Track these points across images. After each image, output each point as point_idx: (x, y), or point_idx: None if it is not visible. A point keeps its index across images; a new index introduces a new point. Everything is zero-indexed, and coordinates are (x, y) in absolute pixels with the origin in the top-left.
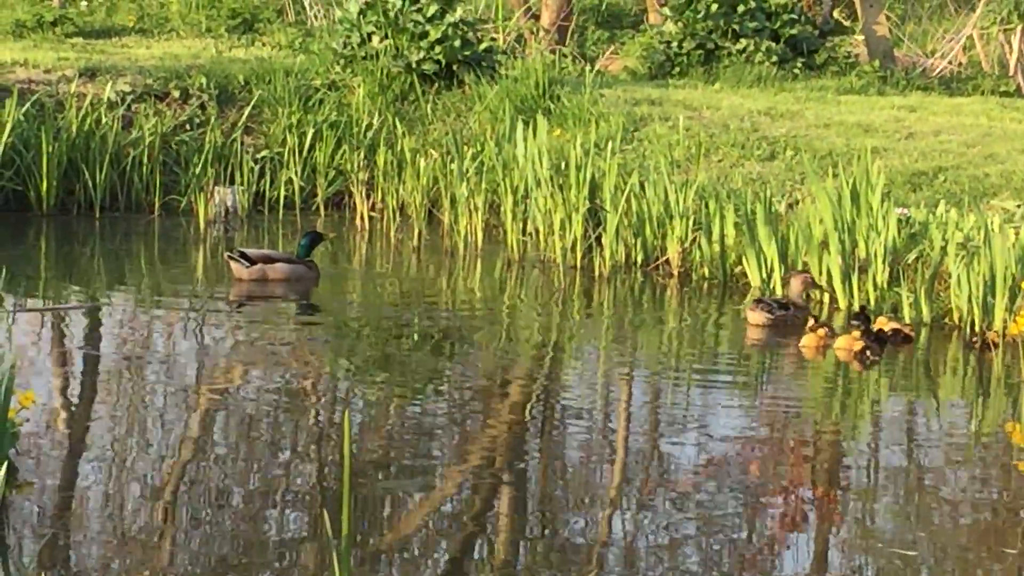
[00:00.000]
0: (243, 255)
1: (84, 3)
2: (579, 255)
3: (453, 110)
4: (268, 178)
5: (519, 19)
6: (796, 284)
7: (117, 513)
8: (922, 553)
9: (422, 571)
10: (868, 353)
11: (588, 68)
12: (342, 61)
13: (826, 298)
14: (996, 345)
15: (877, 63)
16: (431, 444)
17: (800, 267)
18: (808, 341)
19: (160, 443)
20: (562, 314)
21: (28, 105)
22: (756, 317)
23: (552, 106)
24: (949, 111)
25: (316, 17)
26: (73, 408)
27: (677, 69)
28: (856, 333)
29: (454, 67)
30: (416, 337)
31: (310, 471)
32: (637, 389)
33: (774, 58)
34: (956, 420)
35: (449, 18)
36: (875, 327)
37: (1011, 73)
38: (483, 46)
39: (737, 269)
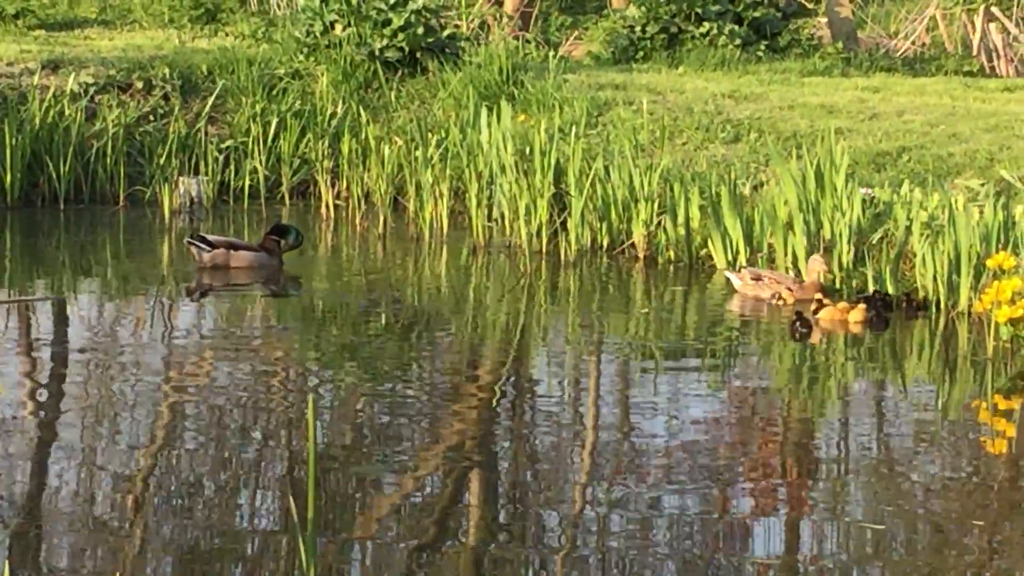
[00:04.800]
0: (203, 239)
1: None
2: (545, 240)
3: (417, 97)
4: (233, 168)
5: (482, 5)
6: (813, 266)
7: (86, 505)
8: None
9: (392, 558)
10: (798, 325)
11: (552, 53)
12: (305, 50)
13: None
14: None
15: (840, 45)
16: (399, 431)
17: (766, 248)
18: (826, 315)
19: (129, 434)
20: (528, 299)
21: None
22: (733, 281)
23: (516, 92)
24: (913, 91)
25: (279, 6)
26: (40, 400)
27: (641, 53)
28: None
29: (417, 54)
30: (382, 324)
31: (279, 460)
32: (605, 372)
33: (737, 41)
34: (924, 397)
35: (412, 5)
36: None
37: (974, 53)
38: (446, 33)
39: (703, 252)
